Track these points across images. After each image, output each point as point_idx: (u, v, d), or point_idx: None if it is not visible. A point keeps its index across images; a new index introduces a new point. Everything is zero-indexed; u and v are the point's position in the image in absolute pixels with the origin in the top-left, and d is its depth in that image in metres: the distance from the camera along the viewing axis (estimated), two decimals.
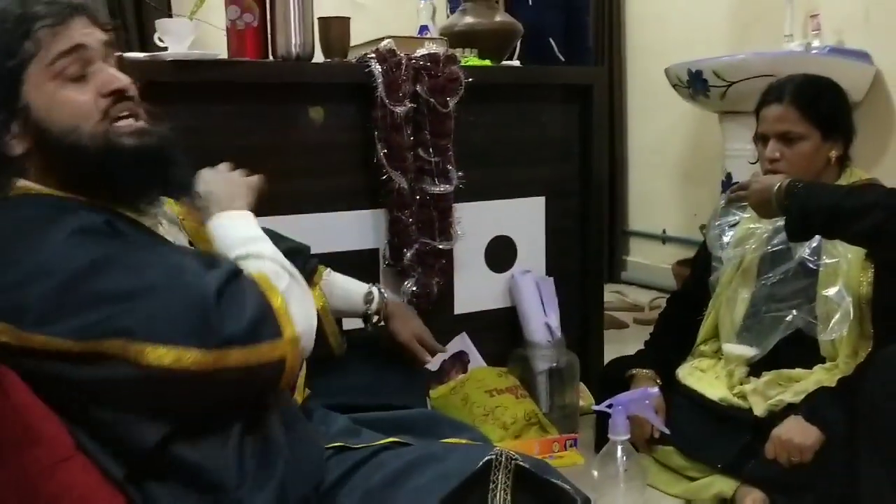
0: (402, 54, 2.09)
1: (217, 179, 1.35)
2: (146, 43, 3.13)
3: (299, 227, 2.05)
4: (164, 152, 1.19)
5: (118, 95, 1.15)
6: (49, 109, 1.11)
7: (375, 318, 1.66)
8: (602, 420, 1.96)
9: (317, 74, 2.08)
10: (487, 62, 2.35)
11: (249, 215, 1.30)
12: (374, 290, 1.68)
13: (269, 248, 1.21)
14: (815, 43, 3.03)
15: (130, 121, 1.16)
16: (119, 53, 1.27)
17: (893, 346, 1.56)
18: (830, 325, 1.81)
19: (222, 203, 1.29)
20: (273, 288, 1.09)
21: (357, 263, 2.15)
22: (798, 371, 1.85)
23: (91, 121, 1.12)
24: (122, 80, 1.15)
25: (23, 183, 1.12)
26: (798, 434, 1.66)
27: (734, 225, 2.06)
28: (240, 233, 1.24)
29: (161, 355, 0.99)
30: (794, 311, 1.88)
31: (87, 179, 1.14)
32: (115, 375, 1.00)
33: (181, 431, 1.06)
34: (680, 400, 1.95)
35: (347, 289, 1.69)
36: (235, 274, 1.08)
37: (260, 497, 1.06)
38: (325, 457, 1.21)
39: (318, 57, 2.15)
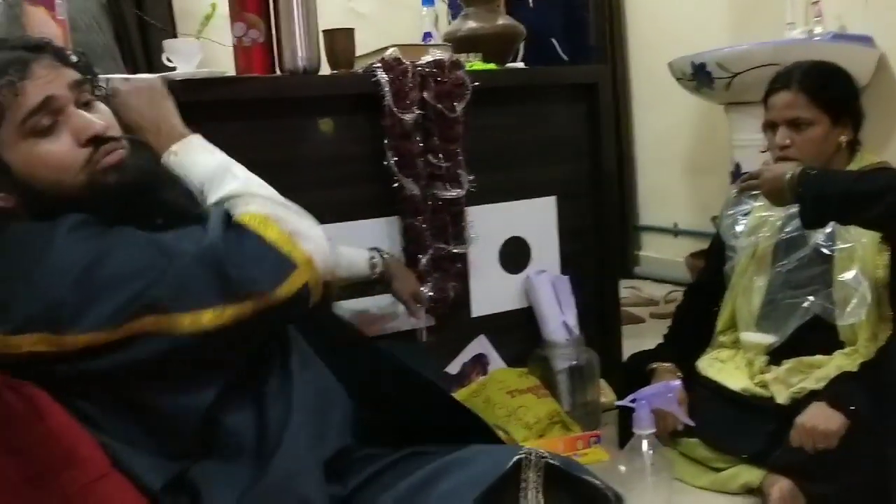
0: (407, 62, 2.11)
1: (134, 95, 1.30)
2: (152, 63, 3.16)
3: None
4: (148, 183, 1.17)
5: (97, 140, 1.13)
6: (29, 167, 1.10)
7: (379, 287, 1.73)
8: (625, 415, 1.97)
9: (324, 87, 2.10)
10: (492, 65, 2.37)
11: (196, 139, 1.29)
12: (376, 254, 1.71)
13: (239, 176, 1.23)
14: (818, 29, 3.02)
15: (110, 157, 1.14)
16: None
17: None
18: (848, 309, 1.82)
19: (159, 129, 1.27)
20: (265, 222, 1.11)
21: None
22: (818, 357, 1.85)
23: (73, 172, 1.11)
24: (97, 124, 1.13)
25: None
26: (822, 420, 1.66)
27: (747, 214, 2.07)
28: (203, 168, 1.24)
29: (195, 320, 1.04)
30: (811, 298, 1.88)
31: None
32: (157, 351, 1.04)
33: (223, 399, 1.10)
34: (701, 391, 1.95)
35: (351, 259, 1.72)
36: (228, 226, 1.11)
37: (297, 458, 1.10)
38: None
39: (325, 69, 2.17)
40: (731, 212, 2.10)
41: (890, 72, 2.97)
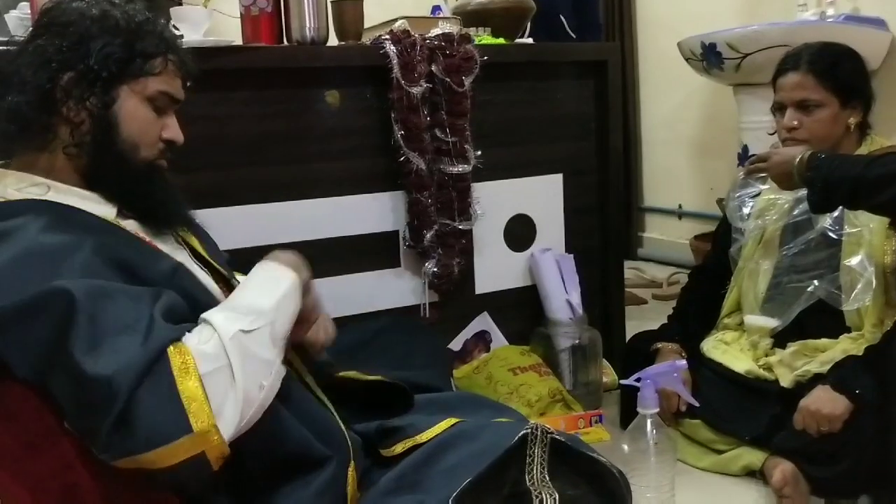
0: (416, 35, 2.09)
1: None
2: None
3: (318, 211, 2.06)
4: (171, 193, 1.29)
5: (169, 144, 1.27)
6: (129, 115, 1.20)
7: None
8: (627, 395, 1.96)
9: (332, 58, 2.07)
10: (501, 41, 2.34)
11: (288, 279, 1.15)
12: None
13: (248, 324, 1.05)
14: (830, 11, 3.00)
15: (163, 164, 1.28)
16: None
17: None
18: (853, 294, 1.81)
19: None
20: (191, 371, 0.97)
21: (377, 246, 2.15)
22: (824, 341, 1.84)
23: (149, 150, 1.23)
24: (181, 137, 1.28)
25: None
26: (827, 404, 1.66)
27: (754, 196, 2.05)
28: (252, 298, 1.11)
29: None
30: (816, 282, 1.87)
31: (108, 184, 1.20)
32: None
33: None
34: (706, 373, 1.95)
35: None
36: (156, 359, 0.96)
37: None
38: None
39: (333, 41, 2.15)
40: (739, 194, 2.08)
41: None
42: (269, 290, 1.12)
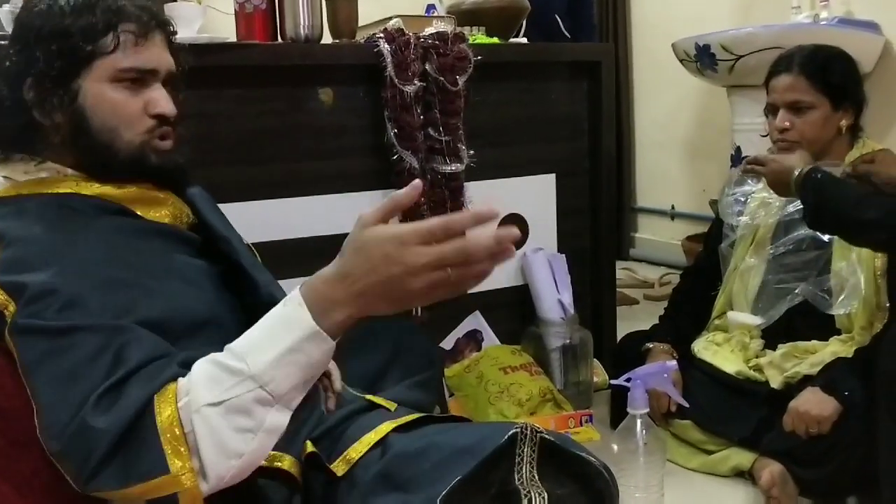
0: (410, 34, 2.09)
1: (360, 251, 0.95)
2: None
3: (310, 209, 2.06)
4: (177, 175, 1.25)
5: (161, 119, 1.19)
6: (97, 103, 1.15)
7: None
8: (617, 395, 1.97)
9: (326, 56, 2.07)
10: (495, 40, 2.34)
11: (300, 329, 0.96)
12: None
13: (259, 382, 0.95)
14: (824, 14, 3.01)
15: (164, 143, 1.21)
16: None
17: None
18: (840, 299, 1.82)
19: (349, 297, 0.95)
20: (170, 405, 0.95)
21: None
22: (814, 343, 1.85)
23: (131, 130, 1.17)
24: (171, 108, 1.20)
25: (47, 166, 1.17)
26: (815, 405, 1.66)
27: (748, 194, 2.06)
28: (250, 349, 0.97)
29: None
30: (802, 283, 1.88)
31: (102, 171, 1.18)
32: None
33: None
34: (696, 374, 1.95)
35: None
36: (147, 404, 0.94)
37: None
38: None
39: (327, 39, 2.15)
40: (733, 191, 2.09)
41: (894, 59, 2.95)
42: (273, 339, 0.96)
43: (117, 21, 1.14)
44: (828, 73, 1.88)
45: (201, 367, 0.98)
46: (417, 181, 0.98)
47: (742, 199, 2.05)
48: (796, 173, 1.73)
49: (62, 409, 0.96)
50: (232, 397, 0.94)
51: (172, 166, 1.23)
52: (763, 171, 1.84)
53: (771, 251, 1.94)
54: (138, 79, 1.17)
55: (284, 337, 0.95)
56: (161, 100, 1.19)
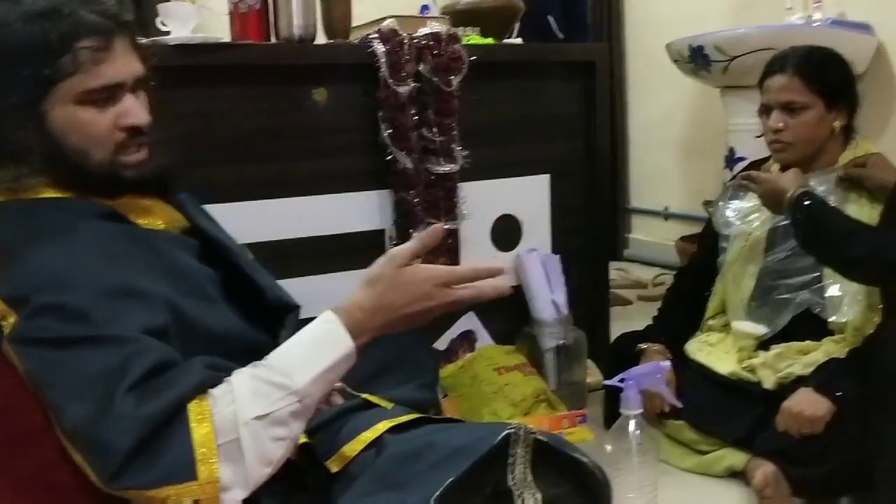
0: (404, 34, 2.09)
1: (400, 288, 1.11)
2: (145, 26, 3.10)
3: (305, 209, 2.06)
4: (158, 182, 1.23)
5: (133, 131, 1.16)
6: (65, 126, 1.12)
7: None
8: (611, 396, 1.97)
9: (320, 56, 2.07)
10: (490, 40, 2.34)
11: (342, 349, 1.08)
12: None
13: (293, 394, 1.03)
14: (817, 15, 3.01)
15: (137, 154, 1.18)
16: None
17: None
18: (843, 308, 1.83)
19: (363, 321, 1.09)
20: (206, 416, 0.98)
21: (363, 245, 2.15)
22: (807, 343, 1.86)
23: (102, 150, 1.14)
24: (143, 118, 1.16)
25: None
26: (809, 406, 1.67)
27: (741, 203, 2.06)
28: (292, 365, 1.05)
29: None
30: (803, 292, 1.88)
31: (82, 190, 1.17)
32: None
33: None
34: (690, 374, 1.95)
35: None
36: (177, 408, 0.98)
37: None
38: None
39: (321, 39, 2.15)
40: (727, 204, 2.08)
41: (888, 60, 2.96)
42: (315, 358, 1.05)
43: (73, 39, 1.08)
44: (822, 74, 1.89)
45: (243, 381, 1.03)
46: (438, 226, 1.17)
47: (735, 213, 2.05)
48: (787, 195, 1.75)
49: (86, 406, 0.97)
50: (275, 410, 1.01)
51: (150, 175, 1.20)
52: (756, 189, 1.86)
53: (770, 257, 1.94)
54: (104, 98, 1.12)
55: (326, 356, 1.06)
56: (132, 110, 1.15)
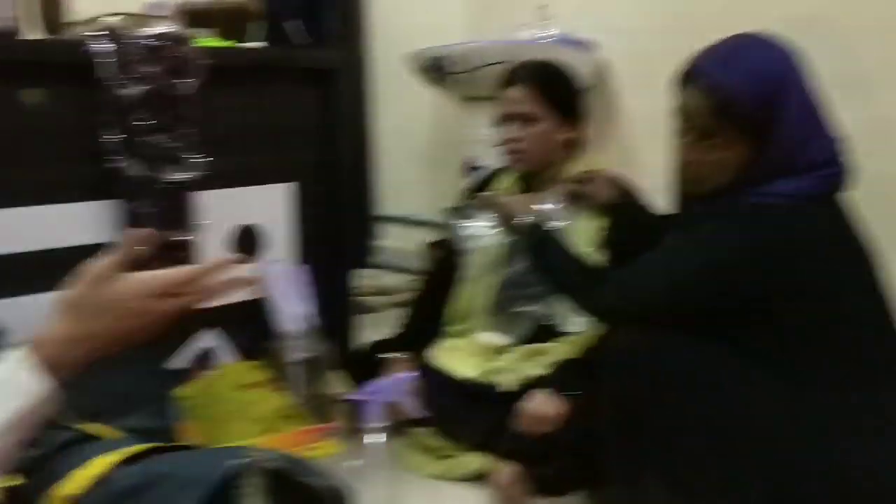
0: (130, 32, 1.94)
1: (103, 309, 0.97)
2: None
3: (19, 221, 1.86)
4: None
5: None
6: None
7: None
8: (358, 408, 1.95)
9: (27, 53, 1.87)
10: (228, 43, 2.25)
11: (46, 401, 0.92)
12: None
13: None
14: (547, 32, 3.17)
15: None
16: None
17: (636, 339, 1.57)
18: (573, 320, 1.92)
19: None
20: None
21: (82, 260, 1.97)
22: (547, 345, 1.93)
23: None
24: None
25: None
26: (542, 405, 1.74)
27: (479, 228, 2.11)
28: None
29: None
30: (539, 307, 1.96)
31: None
32: None
33: None
34: (433, 380, 1.97)
35: None
36: None
37: None
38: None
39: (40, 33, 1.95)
40: (468, 224, 2.12)
41: (609, 77, 3.17)
42: None
43: None
44: (553, 88, 1.99)
45: None
46: (142, 230, 1.07)
47: (475, 227, 2.09)
48: (515, 221, 1.80)
49: None
50: None
51: None
52: (492, 212, 1.90)
53: (508, 270, 2.00)
54: None
55: (8, 406, 0.89)
56: None
